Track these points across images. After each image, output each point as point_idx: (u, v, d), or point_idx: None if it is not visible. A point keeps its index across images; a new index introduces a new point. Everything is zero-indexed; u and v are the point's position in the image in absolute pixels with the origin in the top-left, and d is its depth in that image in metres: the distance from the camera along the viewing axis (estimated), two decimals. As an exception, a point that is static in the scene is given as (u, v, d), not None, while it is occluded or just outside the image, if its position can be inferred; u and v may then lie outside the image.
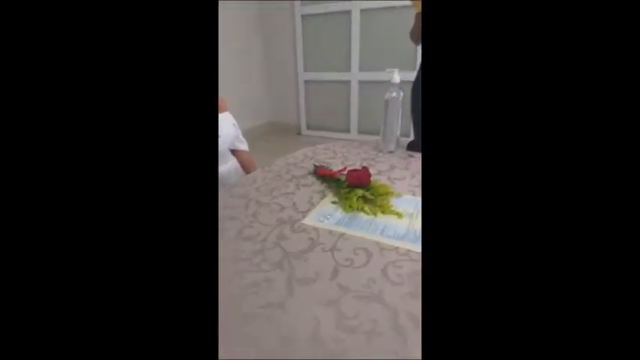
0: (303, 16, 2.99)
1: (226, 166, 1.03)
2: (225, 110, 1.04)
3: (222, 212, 0.60)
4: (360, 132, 3.11)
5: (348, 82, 3.01)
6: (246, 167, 1.11)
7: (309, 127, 3.38)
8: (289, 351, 0.31)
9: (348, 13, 2.78)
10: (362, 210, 0.58)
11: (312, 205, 0.61)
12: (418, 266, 0.42)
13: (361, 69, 2.91)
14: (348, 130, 3.16)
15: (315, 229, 0.53)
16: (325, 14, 2.90)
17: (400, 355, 0.31)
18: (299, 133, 3.41)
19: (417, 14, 1.15)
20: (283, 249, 0.47)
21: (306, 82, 3.22)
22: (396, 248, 0.46)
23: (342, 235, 0.50)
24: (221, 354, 0.29)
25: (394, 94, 0.84)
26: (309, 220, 0.55)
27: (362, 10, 2.73)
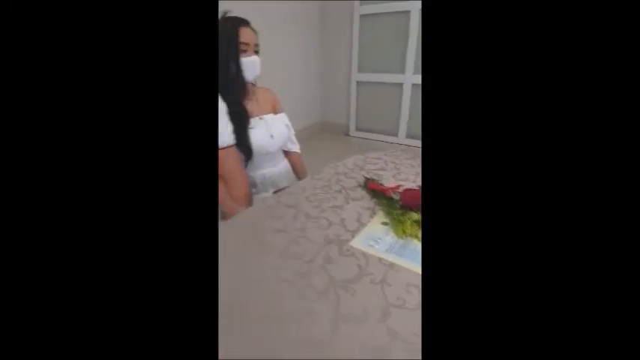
0: (362, 16, 2.94)
1: (278, 167, 1.01)
2: (280, 111, 1.04)
3: (270, 223, 0.58)
4: (408, 136, 2.99)
5: (400, 85, 2.91)
6: (297, 170, 1.09)
7: (357, 129, 3.33)
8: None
9: (407, 13, 2.68)
10: (416, 237, 0.53)
11: (361, 225, 0.58)
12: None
13: (416, 71, 2.80)
14: (396, 134, 3.06)
15: (364, 254, 0.49)
16: (384, 14, 2.82)
17: None
18: (347, 134, 3.37)
19: None
20: (330, 275, 0.44)
21: (359, 83, 3.17)
22: (455, 290, 0.42)
23: (392, 265, 0.47)
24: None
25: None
26: (357, 243, 0.52)
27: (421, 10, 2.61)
